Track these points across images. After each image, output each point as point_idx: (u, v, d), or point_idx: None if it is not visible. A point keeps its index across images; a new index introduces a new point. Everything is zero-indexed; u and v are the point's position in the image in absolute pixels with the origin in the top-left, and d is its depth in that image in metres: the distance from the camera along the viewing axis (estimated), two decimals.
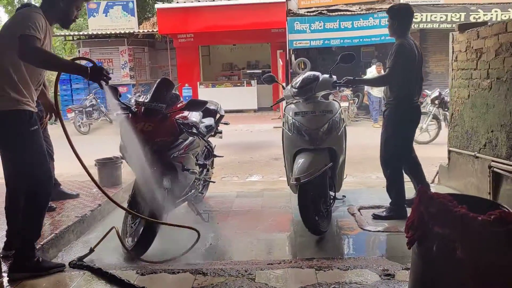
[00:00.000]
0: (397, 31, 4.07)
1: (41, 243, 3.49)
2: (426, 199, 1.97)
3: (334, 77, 4.13)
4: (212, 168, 5.04)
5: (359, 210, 4.48)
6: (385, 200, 4.83)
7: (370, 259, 3.18)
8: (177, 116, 3.76)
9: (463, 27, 4.93)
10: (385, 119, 4.26)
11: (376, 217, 4.24)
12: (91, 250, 3.39)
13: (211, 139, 4.85)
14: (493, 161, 4.17)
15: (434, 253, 1.89)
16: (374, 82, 4.02)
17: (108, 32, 16.41)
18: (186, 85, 15.12)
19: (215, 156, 4.86)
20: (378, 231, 3.92)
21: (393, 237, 3.85)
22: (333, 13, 14.11)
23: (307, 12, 14.39)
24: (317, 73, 4.15)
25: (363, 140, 9.91)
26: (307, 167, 3.67)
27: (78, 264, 3.18)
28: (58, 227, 3.84)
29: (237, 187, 5.80)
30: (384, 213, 4.25)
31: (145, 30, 16.73)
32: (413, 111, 4.16)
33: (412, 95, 4.10)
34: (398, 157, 4.18)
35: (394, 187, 4.22)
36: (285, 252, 3.72)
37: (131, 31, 16.52)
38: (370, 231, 3.94)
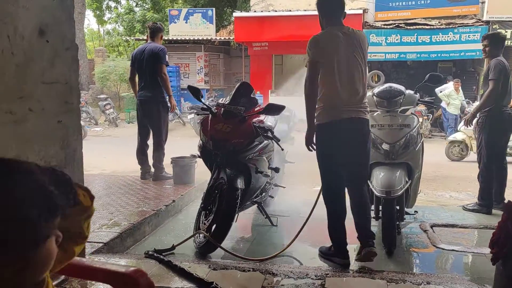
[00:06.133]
0: (492, 53, 4.88)
1: (120, 232, 3.73)
2: None
3: (418, 94, 4.16)
4: (283, 174, 5.09)
5: (431, 227, 4.32)
6: (460, 219, 4.66)
7: (444, 277, 3.05)
8: (254, 119, 3.86)
9: None
10: (478, 126, 4.88)
11: (466, 209, 4.96)
12: (173, 247, 3.55)
13: (283, 145, 4.91)
14: None
15: None
16: (487, 102, 4.63)
17: (187, 38, 17.08)
18: (258, 92, 15.35)
19: (287, 162, 4.92)
20: (453, 250, 3.75)
21: (469, 257, 3.69)
22: (411, 27, 13.77)
23: (384, 25, 14.15)
24: (401, 87, 4.11)
25: (436, 157, 9.54)
26: (395, 181, 3.61)
27: (150, 254, 3.33)
28: (136, 219, 4.09)
29: (305, 195, 5.79)
30: (471, 206, 4.95)
31: (222, 38, 17.25)
32: (504, 118, 4.72)
33: (503, 104, 4.74)
34: (490, 159, 4.78)
35: (482, 186, 4.86)
36: (353, 262, 3.67)
37: (209, 38, 17.10)
38: (443, 249, 3.78)
